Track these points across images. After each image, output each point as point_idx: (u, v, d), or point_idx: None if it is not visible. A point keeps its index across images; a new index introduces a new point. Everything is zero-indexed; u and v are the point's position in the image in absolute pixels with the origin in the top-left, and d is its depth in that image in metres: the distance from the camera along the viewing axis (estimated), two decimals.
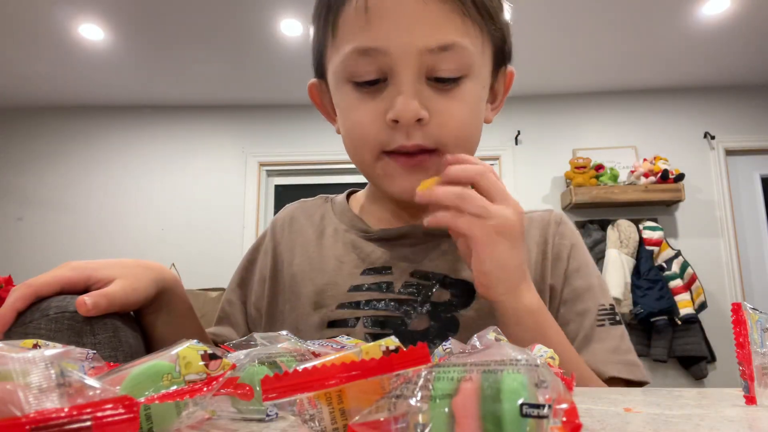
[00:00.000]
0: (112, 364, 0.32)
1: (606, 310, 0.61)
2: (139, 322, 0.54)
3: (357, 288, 0.62)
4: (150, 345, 0.54)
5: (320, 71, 0.64)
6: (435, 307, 0.60)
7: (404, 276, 0.62)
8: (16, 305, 0.45)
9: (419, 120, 0.53)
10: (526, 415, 0.19)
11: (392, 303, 0.60)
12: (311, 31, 0.63)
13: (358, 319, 0.60)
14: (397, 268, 0.62)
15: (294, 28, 2.83)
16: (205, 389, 0.26)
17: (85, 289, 0.48)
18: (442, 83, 0.54)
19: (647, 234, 3.18)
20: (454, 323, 0.59)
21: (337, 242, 0.66)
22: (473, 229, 0.49)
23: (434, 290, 0.61)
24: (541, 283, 0.63)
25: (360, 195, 0.73)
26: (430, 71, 0.54)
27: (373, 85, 0.55)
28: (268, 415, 0.31)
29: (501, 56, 0.62)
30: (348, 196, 0.74)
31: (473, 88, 0.56)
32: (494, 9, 0.57)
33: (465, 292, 0.61)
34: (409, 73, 0.53)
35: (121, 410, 0.18)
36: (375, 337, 0.58)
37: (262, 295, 0.68)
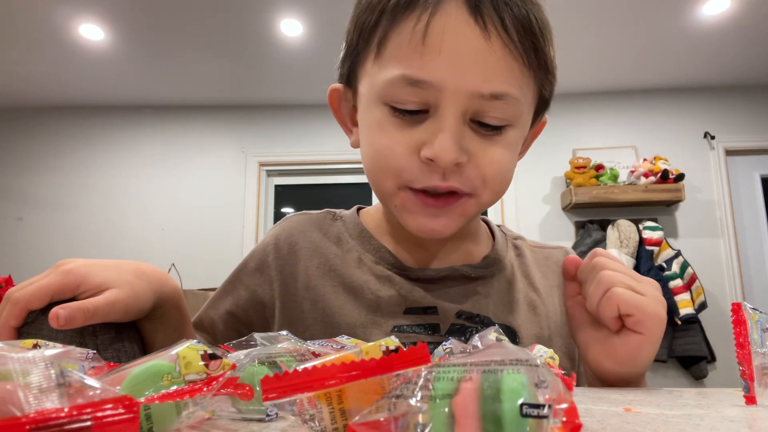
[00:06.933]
0: (112, 364, 0.32)
1: None
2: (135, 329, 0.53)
3: (400, 328, 0.58)
4: (143, 352, 0.54)
5: (348, 79, 0.59)
6: None
7: (450, 317, 0.59)
8: (10, 323, 0.44)
9: (457, 164, 0.50)
10: (526, 415, 0.19)
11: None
12: (347, 35, 0.58)
13: None
14: (442, 308, 0.59)
15: (294, 28, 2.83)
16: (205, 389, 0.26)
17: (75, 297, 0.46)
18: (485, 128, 0.52)
19: (647, 234, 3.18)
20: None
21: (366, 274, 0.61)
22: (646, 308, 0.48)
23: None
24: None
25: (376, 215, 0.67)
26: (475, 114, 0.51)
27: (412, 115, 0.51)
28: (268, 415, 0.31)
29: (543, 106, 0.60)
30: (357, 212, 0.69)
31: (514, 135, 0.54)
32: (552, 63, 0.56)
33: (508, 337, 0.60)
34: (455, 113, 0.50)
35: (121, 410, 0.18)
36: None
37: (262, 318, 0.64)
